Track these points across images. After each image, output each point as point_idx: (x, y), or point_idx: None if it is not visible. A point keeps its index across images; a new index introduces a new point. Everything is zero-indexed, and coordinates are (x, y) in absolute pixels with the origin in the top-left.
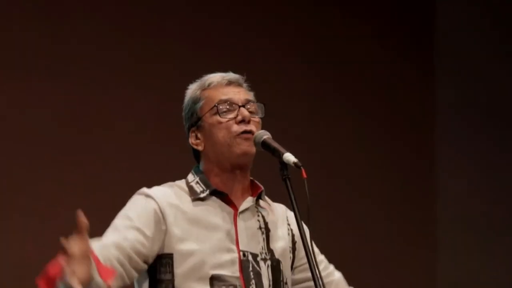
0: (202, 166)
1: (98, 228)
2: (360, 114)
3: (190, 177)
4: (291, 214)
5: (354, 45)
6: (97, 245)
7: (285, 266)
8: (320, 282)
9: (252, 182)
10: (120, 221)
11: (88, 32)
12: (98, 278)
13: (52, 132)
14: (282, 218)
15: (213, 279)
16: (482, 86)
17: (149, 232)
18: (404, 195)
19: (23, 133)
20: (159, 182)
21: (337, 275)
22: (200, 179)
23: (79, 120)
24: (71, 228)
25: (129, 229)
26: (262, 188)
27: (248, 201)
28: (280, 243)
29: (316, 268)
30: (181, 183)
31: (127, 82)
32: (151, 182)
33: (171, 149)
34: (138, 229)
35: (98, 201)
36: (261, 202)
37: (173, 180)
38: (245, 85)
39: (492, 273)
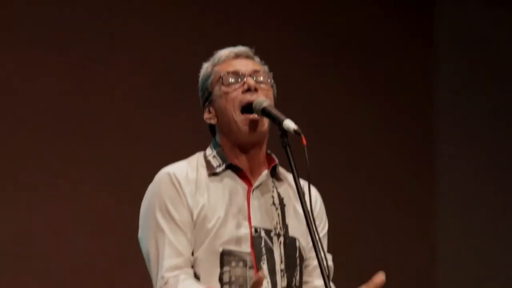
0: (218, 139)
1: (102, 199)
2: (359, 82)
3: (208, 150)
4: (311, 188)
5: (354, 13)
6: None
7: (303, 242)
8: (322, 254)
9: (268, 155)
10: (163, 223)
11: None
12: None
13: (56, 102)
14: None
15: (224, 254)
16: (483, 54)
17: (185, 216)
18: (403, 164)
19: (27, 103)
20: (163, 152)
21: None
22: (217, 152)
23: (83, 90)
24: (73, 199)
25: (180, 235)
26: (277, 161)
27: (263, 176)
28: (297, 218)
29: (316, 234)
30: (200, 156)
31: (131, 50)
32: (155, 151)
33: (176, 120)
34: (184, 229)
35: (104, 172)
36: (276, 173)
37: (173, 149)
38: (256, 58)
39: (492, 243)
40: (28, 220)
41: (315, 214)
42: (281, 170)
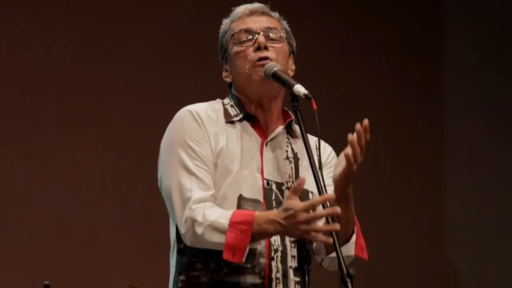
0: (234, 92)
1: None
2: (366, 44)
3: (226, 100)
4: (322, 144)
5: None
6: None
7: (317, 194)
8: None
9: (284, 111)
10: (187, 159)
11: None
12: None
13: (70, 67)
14: (313, 147)
15: (241, 199)
16: (491, 14)
17: (206, 149)
18: (412, 123)
19: (42, 66)
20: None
21: None
22: (234, 102)
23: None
24: (82, 158)
25: (204, 171)
26: (292, 117)
27: (277, 130)
28: (311, 172)
29: (322, 181)
30: (217, 103)
31: (140, 13)
32: (166, 113)
33: (183, 82)
34: (202, 159)
35: (112, 133)
36: (292, 132)
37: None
38: (273, 13)
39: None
40: (42, 183)
41: (330, 164)
42: (297, 128)
